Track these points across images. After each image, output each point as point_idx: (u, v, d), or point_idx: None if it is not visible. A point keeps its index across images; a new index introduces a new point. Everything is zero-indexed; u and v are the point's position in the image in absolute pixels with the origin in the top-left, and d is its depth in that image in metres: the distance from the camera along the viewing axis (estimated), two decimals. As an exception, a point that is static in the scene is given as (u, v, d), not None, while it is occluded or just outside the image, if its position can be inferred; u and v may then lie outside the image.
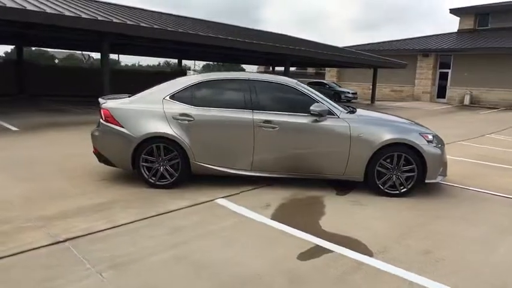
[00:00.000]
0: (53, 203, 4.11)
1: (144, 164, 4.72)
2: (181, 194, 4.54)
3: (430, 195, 4.86)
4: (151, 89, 5.02)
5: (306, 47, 17.90)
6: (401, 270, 2.92)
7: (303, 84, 5.01)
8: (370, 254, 3.20)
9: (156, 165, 4.71)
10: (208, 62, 46.18)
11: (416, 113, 17.28)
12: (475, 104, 26.03)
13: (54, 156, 6.28)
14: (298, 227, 3.71)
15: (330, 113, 4.72)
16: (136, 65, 48.40)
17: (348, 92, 27.03)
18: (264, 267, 2.93)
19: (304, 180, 4.96)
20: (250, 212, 4.06)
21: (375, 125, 4.76)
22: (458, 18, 32.06)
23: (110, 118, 4.78)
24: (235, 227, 3.69)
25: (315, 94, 4.90)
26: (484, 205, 4.66)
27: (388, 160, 4.68)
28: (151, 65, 51.89)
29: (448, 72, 28.25)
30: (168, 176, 4.72)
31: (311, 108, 4.64)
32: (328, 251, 3.23)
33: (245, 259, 3.05)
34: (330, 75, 34.53)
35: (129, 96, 5.20)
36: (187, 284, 2.68)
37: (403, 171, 4.68)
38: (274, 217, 3.95)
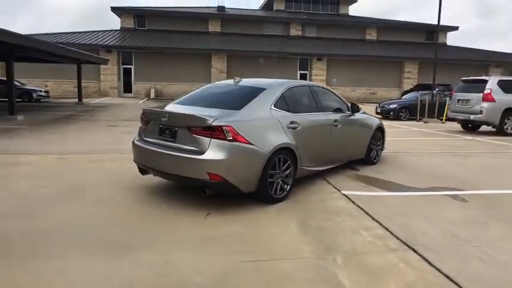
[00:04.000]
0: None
1: (269, 179, 4.51)
2: (307, 197, 4.85)
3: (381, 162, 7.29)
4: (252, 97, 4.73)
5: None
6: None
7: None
8: (471, 189, 5.37)
9: (275, 179, 4.62)
10: None
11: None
12: (160, 97, 29.76)
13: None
14: (410, 190, 5.28)
15: None
16: None
17: (41, 91, 24.29)
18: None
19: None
20: (379, 192, 5.16)
21: (369, 117, 6.73)
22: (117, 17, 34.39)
23: (238, 136, 4.18)
24: (422, 202, 4.83)
25: (339, 96, 6.20)
26: (422, 157, 7.65)
27: (373, 140, 6.77)
28: None
29: (131, 68, 30.52)
30: (284, 187, 4.74)
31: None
32: (462, 196, 5.13)
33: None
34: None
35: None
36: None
37: (377, 145, 6.91)
38: (391, 190, 5.28)
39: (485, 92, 11.46)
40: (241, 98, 4.77)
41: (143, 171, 4.93)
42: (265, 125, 4.57)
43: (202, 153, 4.12)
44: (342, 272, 3.02)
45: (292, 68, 30.93)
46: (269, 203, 4.53)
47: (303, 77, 31.06)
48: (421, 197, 5.06)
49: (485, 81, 11.71)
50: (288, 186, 4.77)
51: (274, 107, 4.80)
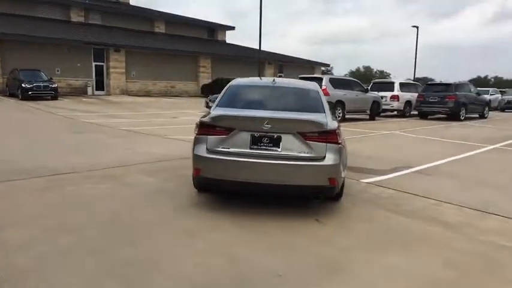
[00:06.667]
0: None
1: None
2: (346, 190, 5.32)
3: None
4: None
5: None
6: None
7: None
8: (415, 166, 6.96)
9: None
10: None
11: None
12: None
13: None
14: (388, 172, 6.48)
15: None
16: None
17: None
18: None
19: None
20: (377, 177, 6.09)
21: None
22: None
23: (341, 139, 4.29)
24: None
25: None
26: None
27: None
28: None
29: None
30: (338, 180, 5.05)
31: None
32: (423, 172, 6.63)
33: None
34: None
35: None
36: None
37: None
38: (379, 174, 6.31)
39: (322, 87, 14.06)
40: (311, 101, 4.78)
41: (207, 187, 4.28)
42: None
43: (321, 159, 4.03)
44: (497, 239, 3.81)
45: (86, 59, 27.73)
46: (338, 199, 4.76)
47: (99, 69, 28.36)
48: (404, 176, 6.32)
49: (321, 79, 14.36)
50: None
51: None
